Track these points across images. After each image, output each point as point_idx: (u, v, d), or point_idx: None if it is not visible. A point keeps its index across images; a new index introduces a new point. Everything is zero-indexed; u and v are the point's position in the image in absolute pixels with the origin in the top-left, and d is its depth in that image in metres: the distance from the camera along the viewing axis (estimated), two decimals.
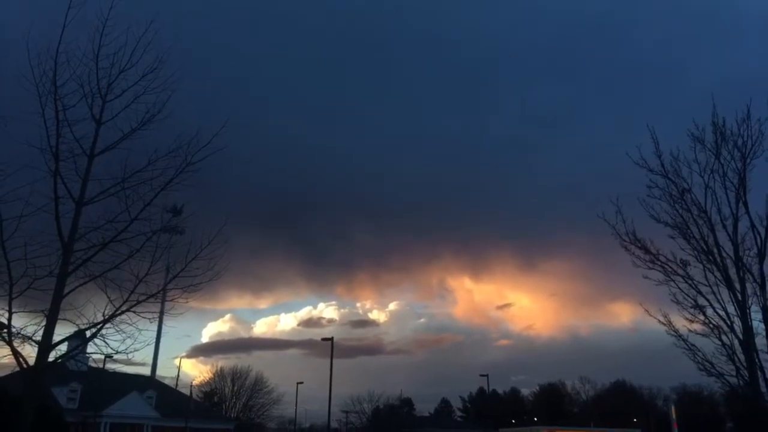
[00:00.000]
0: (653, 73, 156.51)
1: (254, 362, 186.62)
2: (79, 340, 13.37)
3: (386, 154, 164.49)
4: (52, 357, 11.97)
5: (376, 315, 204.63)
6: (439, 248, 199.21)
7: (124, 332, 12.73)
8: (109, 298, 12.57)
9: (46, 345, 11.62)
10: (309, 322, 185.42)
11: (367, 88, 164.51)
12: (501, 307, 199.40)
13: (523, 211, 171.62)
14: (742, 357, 15.01)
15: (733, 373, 15.17)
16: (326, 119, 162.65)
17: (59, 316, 11.90)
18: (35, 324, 11.97)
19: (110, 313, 12.48)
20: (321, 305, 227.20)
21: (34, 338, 11.79)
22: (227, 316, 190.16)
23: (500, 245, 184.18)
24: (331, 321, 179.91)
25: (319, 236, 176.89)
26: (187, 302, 13.71)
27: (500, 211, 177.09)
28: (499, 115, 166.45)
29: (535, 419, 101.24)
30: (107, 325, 12.53)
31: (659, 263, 16.50)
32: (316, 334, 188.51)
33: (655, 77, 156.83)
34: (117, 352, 12.93)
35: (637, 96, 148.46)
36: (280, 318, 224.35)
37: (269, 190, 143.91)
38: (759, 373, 14.76)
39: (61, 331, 12.33)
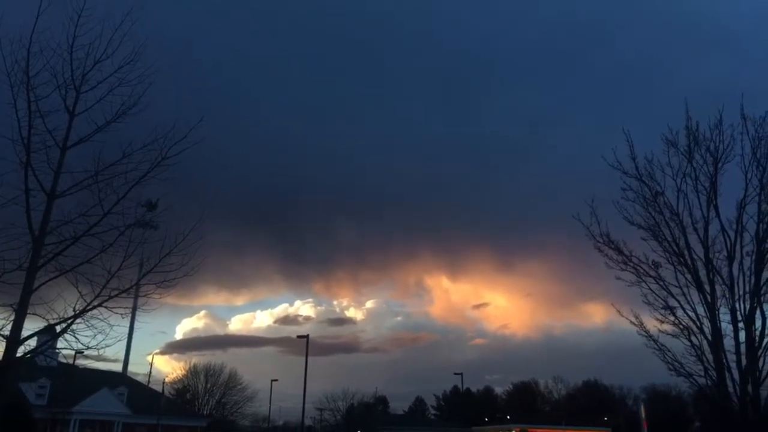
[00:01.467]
0: (633, 79, 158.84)
1: (229, 359, 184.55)
2: (48, 335, 13.11)
3: (370, 152, 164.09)
4: (20, 352, 11.73)
5: (354, 313, 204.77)
6: (417, 247, 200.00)
7: (96, 328, 12.52)
8: (80, 292, 12.36)
9: (14, 340, 11.39)
10: (285, 320, 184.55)
11: (353, 85, 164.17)
12: (477, 307, 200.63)
13: (503, 211, 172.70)
14: (710, 357, 15.34)
15: (702, 373, 15.50)
16: (310, 115, 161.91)
17: (28, 311, 11.66)
18: (3, 319, 11.78)
19: (81, 308, 12.26)
20: (298, 302, 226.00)
21: (2, 333, 11.55)
22: (202, 313, 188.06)
23: (478, 245, 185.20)
24: (307, 318, 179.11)
25: (299, 233, 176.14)
26: (161, 298, 13.57)
27: (479, 212, 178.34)
28: (482, 117, 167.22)
29: (508, 417, 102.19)
30: (78, 321, 12.30)
31: (632, 264, 16.80)
32: (293, 331, 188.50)
33: (634, 83, 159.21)
34: (88, 348, 12.72)
35: (617, 100, 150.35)
36: (256, 315, 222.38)
37: (250, 186, 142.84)
38: (726, 373, 15.09)
39: (31, 326, 12.15)
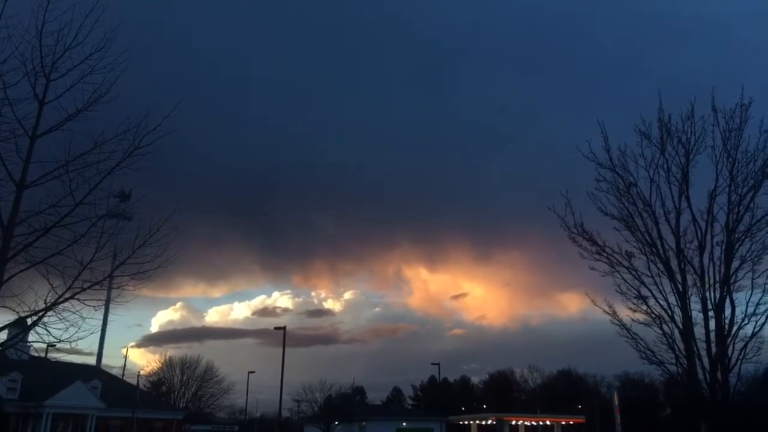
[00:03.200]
0: (609, 70, 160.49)
1: (206, 352, 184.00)
2: (19, 328, 12.84)
3: (348, 142, 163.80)
4: None
5: (332, 304, 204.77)
6: (396, 238, 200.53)
7: (68, 320, 12.29)
8: (51, 285, 12.12)
9: None
10: (263, 312, 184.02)
11: (331, 75, 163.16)
12: (456, 297, 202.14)
13: (481, 202, 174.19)
14: (681, 345, 15.64)
15: (673, 361, 15.80)
16: (288, 106, 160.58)
17: None
18: None
19: (53, 301, 12.03)
20: (276, 294, 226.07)
21: None
22: (178, 305, 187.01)
23: (457, 236, 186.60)
24: (285, 310, 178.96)
25: (278, 224, 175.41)
26: (135, 290, 13.36)
27: (458, 202, 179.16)
28: (461, 107, 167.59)
29: (485, 406, 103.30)
30: (49, 313, 12.07)
31: (605, 255, 17.02)
32: (271, 323, 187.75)
33: (610, 74, 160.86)
34: (59, 341, 12.48)
35: (593, 92, 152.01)
36: (233, 307, 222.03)
37: (228, 176, 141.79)
38: (697, 361, 15.40)
39: (0, 318, 11.91)
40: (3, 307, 11.70)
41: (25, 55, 11.84)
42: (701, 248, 15.84)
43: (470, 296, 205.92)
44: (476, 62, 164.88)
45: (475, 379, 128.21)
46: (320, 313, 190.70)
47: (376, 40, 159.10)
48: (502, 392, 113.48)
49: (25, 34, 11.75)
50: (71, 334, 12.43)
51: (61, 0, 11.90)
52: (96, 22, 12.11)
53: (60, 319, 12.25)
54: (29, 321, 12.15)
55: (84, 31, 12.13)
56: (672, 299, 15.92)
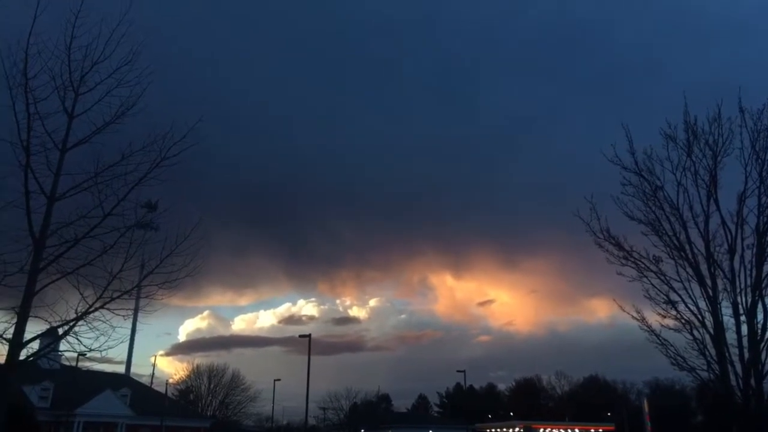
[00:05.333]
0: (632, 74, 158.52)
1: (233, 360, 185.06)
2: (51, 337, 13.10)
3: (372, 151, 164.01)
4: (23, 355, 11.72)
5: (357, 312, 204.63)
6: (421, 245, 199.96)
7: (98, 330, 12.55)
8: (81, 294, 12.37)
9: (17, 343, 11.39)
10: (289, 320, 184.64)
11: (354, 85, 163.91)
12: (482, 304, 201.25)
13: (505, 208, 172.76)
14: (713, 351, 15.31)
15: (705, 367, 15.47)
16: (313, 116, 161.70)
17: (30, 314, 11.67)
18: (6, 322, 11.75)
19: (83, 311, 12.28)
20: (301, 302, 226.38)
21: (4, 336, 11.53)
22: (205, 313, 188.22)
23: (482, 243, 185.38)
24: (311, 318, 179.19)
25: (303, 233, 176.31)
26: (162, 299, 13.56)
27: (483, 209, 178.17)
28: (481, 114, 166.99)
29: (511, 414, 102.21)
30: (80, 323, 12.33)
31: (632, 259, 16.76)
32: (296, 331, 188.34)
33: (633, 77, 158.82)
34: (90, 350, 12.74)
35: (615, 95, 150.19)
36: (259, 315, 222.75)
37: (254, 187, 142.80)
38: (729, 367, 15.06)
39: (33, 328, 12.11)
40: (35, 317, 11.95)
41: (55, 70, 12.19)
42: (731, 252, 15.52)
43: (496, 303, 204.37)
44: (498, 68, 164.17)
45: (501, 387, 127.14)
46: (346, 320, 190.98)
47: (398, 51, 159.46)
48: (529, 399, 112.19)
49: (55, 49, 12.10)
50: (101, 343, 12.70)
51: (88, 16, 12.19)
52: (122, 37, 12.39)
53: (90, 329, 12.52)
54: (61, 330, 12.40)
55: (111, 46, 12.45)
56: (702, 304, 15.62)
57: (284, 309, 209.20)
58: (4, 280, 11.50)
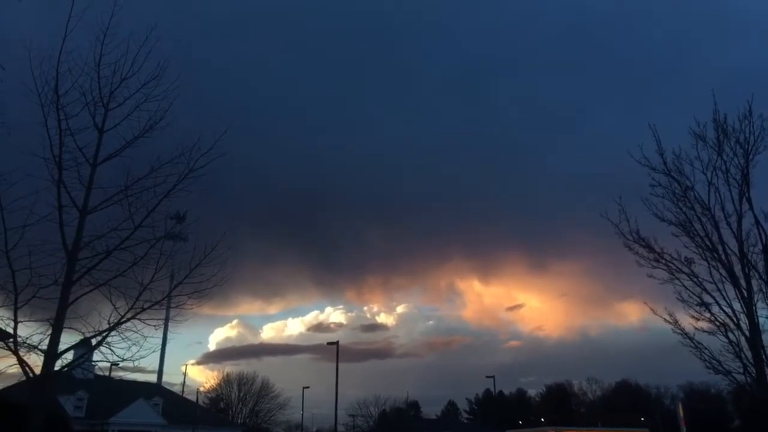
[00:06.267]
0: (660, 72, 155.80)
1: (263, 368, 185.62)
2: (84, 348, 13.36)
3: (397, 155, 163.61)
4: (58, 366, 11.93)
5: (385, 318, 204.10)
6: (448, 251, 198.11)
7: (130, 340, 12.74)
8: (114, 305, 12.59)
9: (52, 354, 11.61)
10: (318, 327, 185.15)
11: (378, 89, 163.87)
12: (511, 309, 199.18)
13: (533, 211, 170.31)
14: (749, 354, 14.96)
15: (741, 370, 15.12)
16: (338, 122, 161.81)
17: (64, 325, 11.89)
18: (41, 333, 11.97)
19: (115, 321, 12.48)
20: (329, 309, 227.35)
21: (39, 347, 11.78)
22: (234, 322, 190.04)
23: (510, 247, 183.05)
24: (339, 325, 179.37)
25: (330, 240, 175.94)
26: (192, 308, 13.74)
27: (510, 213, 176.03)
28: (507, 114, 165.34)
29: (542, 420, 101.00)
30: (113, 333, 12.53)
31: (663, 261, 16.48)
32: (325, 338, 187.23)
33: (661, 76, 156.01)
34: (123, 360, 12.93)
35: (643, 95, 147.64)
36: (288, 323, 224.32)
37: (281, 195, 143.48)
38: (766, 369, 14.71)
39: (67, 339, 12.34)
40: (69, 328, 12.16)
41: (85, 87, 12.49)
42: (766, 251, 15.18)
43: (526, 307, 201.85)
44: (523, 67, 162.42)
45: (531, 392, 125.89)
46: (374, 327, 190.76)
47: (420, 51, 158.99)
48: (560, 405, 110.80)
49: (84, 66, 12.40)
50: (133, 353, 12.88)
51: (116, 33, 12.46)
52: (150, 52, 12.64)
53: (123, 339, 12.72)
54: (94, 341, 12.61)
55: (139, 61, 12.71)
56: (737, 306, 15.27)
57: (312, 317, 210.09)
58: (38, 293, 11.76)
